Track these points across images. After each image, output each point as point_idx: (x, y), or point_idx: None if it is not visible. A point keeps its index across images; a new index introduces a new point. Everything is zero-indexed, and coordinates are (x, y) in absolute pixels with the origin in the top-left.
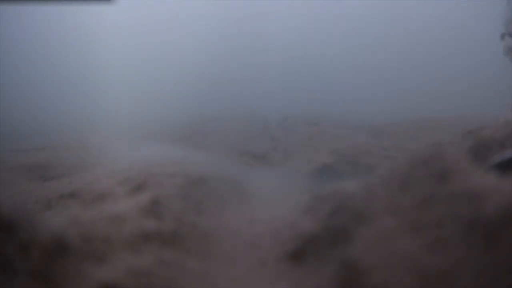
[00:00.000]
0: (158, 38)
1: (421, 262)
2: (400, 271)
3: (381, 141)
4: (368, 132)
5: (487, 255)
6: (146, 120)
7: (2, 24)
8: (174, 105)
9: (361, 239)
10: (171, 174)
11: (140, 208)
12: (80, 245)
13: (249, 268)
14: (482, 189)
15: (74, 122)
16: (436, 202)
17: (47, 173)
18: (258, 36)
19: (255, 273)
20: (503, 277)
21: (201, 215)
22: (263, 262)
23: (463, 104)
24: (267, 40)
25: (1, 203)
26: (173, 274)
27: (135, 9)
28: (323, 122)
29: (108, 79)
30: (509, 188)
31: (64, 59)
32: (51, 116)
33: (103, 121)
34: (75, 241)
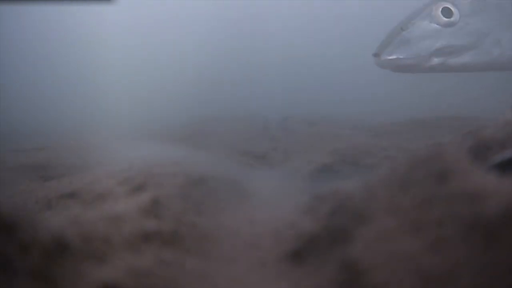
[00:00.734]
0: (158, 38)
1: (421, 262)
2: (400, 271)
3: (381, 141)
4: (368, 132)
5: (487, 255)
6: (146, 120)
7: (2, 24)
8: (174, 105)
9: (361, 239)
10: (171, 174)
11: (140, 208)
12: (80, 245)
13: (249, 268)
14: (482, 189)
15: (74, 122)
16: (436, 202)
17: (47, 173)
18: (258, 36)
19: (255, 273)
20: (503, 277)
21: (201, 215)
22: (263, 262)
23: (463, 104)
24: (267, 40)
25: (1, 203)
26: (173, 274)
27: (135, 9)
28: (323, 122)
29: (108, 79)
30: (509, 188)
31: (64, 59)
32: (51, 116)
33: (103, 121)
34: (75, 241)
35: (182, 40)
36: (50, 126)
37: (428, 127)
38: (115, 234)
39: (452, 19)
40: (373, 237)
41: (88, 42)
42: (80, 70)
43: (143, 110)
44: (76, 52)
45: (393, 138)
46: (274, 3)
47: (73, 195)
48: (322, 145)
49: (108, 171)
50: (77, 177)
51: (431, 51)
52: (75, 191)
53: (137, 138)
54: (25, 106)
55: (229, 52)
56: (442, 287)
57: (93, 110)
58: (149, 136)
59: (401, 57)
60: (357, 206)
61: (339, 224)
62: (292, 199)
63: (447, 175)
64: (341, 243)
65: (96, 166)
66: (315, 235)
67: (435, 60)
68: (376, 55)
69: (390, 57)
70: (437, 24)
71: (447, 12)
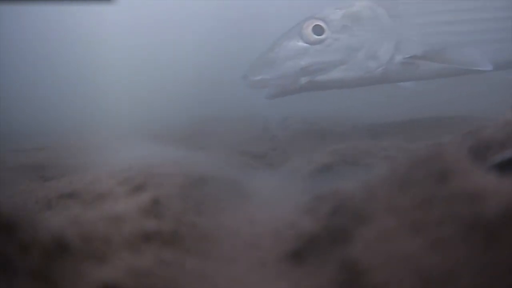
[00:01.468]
0: (158, 38)
1: (421, 262)
2: (400, 271)
3: (381, 141)
4: (368, 132)
5: (487, 255)
6: (146, 120)
7: (2, 24)
8: (174, 105)
9: (361, 239)
10: (171, 174)
11: (140, 208)
12: (80, 245)
13: (249, 268)
14: (482, 189)
15: (74, 122)
16: (436, 202)
17: (47, 173)
18: (258, 36)
19: (255, 273)
20: (503, 277)
21: (201, 215)
22: (263, 262)
23: (462, 104)
24: (267, 40)
25: (1, 203)
26: (173, 274)
27: (135, 9)
28: (323, 121)
29: (108, 79)
30: (509, 188)
31: (64, 59)
32: (51, 116)
33: (103, 121)
34: (75, 241)
35: (182, 40)
36: (50, 126)
37: (428, 127)
38: (115, 234)
39: (322, 36)
40: (373, 237)
41: (88, 42)
42: (80, 70)
43: (143, 110)
44: (76, 52)
45: (393, 138)
46: (274, 3)
47: (73, 195)
48: (322, 145)
49: (108, 171)
50: (77, 177)
51: (297, 70)
52: (75, 191)
53: (137, 138)
54: (25, 106)
55: (229, 52)
56: (442, 287)
57: (93, 110)
58: (149, 136)
59: (267, 77)
60: (357, 206)
61: (339, 224)
62: (292, 199)
63: (447, 175)
64: (341, 243)
65: (96, 166)
66: (315, 235)
67: (303, 79)
68: (244, 76)
69: (257, 78)
70: (305, 43)
71: (318, 30)
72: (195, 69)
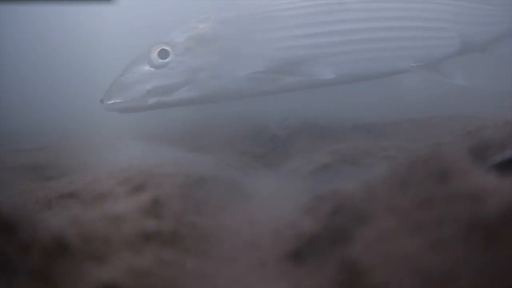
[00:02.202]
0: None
1: (421, 262)
2: (400, 271)
3: (381, 141)
4: (368, 132)
5: (487, 255)
6: (146, 120)
7: (2, 24)
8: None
9: (361, 239)
10: (171, 174)
11: (140, 208)
12: (80, 245)
13: (249, 268)
14: (482, 189)
15: (74, 122)
16: (436, 202)
17: (47, 173)
18: None
19: (255, 273)
20: (503, 277)
21: (201, 215)
22: (263, 262)
23: (462, 104)
24: None
25: (1, 203)
26: (173, 274)
27: (135, 9)
28: (323, 121)
29: (108, 79)
30: (509, 188)
31: (64, 59)
32: (51, 116)
33: (103, 121)
34: (75, 241)
35: None
36: (50, 126)
37: (428, 127)
38: (115, 234)
39: (166, 60)
40: (373, 237)
41: (88, 42)
42: (80, 70)
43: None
44: (76, 52)
45: (393, 138)
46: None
47: (73, 195)
48: (322, 145)
49: (108, 171)
50: (77, 177)
51: (144, 93)
52: (75, 191)
53: (137, 138)
54: (25, 106)
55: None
56: (442, 287)
57: (93, 110)
58: (149, 136)
59: (118, 101)
60: (357, 206)
61: (339, 224)
62: (292, 199)
63: (447, 175)
64: (341, 243)
65: (96, 166)
66: (315, 235)
67: (151, 100)
68: (101, 100)
69: (110, 102)
70: (152, 67)
71: (163, 54)
72: None
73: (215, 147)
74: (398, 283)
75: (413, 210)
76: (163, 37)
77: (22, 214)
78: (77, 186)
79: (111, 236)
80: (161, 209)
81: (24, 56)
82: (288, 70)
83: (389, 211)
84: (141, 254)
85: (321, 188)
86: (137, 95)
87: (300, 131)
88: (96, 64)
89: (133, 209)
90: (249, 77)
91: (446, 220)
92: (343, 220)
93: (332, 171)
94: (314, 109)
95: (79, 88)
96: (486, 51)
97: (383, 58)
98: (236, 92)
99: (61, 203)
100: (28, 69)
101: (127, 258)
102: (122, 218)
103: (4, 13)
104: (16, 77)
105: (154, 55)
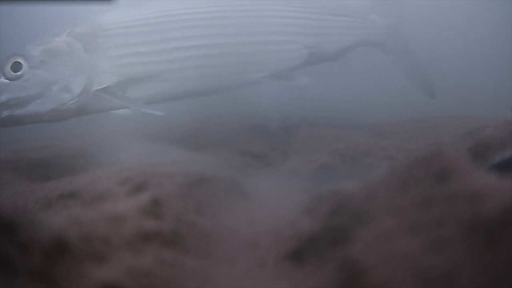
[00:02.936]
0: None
1: (421, 262)
2: (400, 271)
3: (381, 141)
4: (368, 132)
5: (487, 255)
6: (146, 120)
7: (2, 24)
8: (174, 105)
9: (361, 239)
10: (171, 174)
11: (140, 208)
12: (80, 245)
13: (249, 268)
14: (482, 189)
15: (74, 122)
16: (436, 202)
17: (47, 173)
18: None
19: (255, 273)
20: (503, 277)
21: (201, 215)
22: (263, 262)
23: (462, 104)
24: None
25: (1, 203)
26: (173, 274)
27: (135, 9)
28: (323, 121)
29: None
30: (509, 188)
31: None
32: None
33: (104, 121)
34: (75, 241)
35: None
36: (50, 126)
37: (428, 127)
38: (115, 234)
39: (20, 72)
40: (373, 237)
41: None
42: None
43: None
44: None
45: (393, 138)
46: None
47: (73, 195)
48: (322, 145)
49: (108, 171)
50: (77, 177)
51: None
52: (75, 191)
53: (137, 138)
54: None
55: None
56: (442, 287)
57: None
58: (149, 136)
59: None
60: (357, 206)
61: (339, 224)
62: (292, 199)
63: (447, 175)
64: (341, 243)
65: (96, 166)
66: (315, 235)
67: (4, 113)
68: None
69: None
70: (6, 79)
71: (17, 66)
72: None
73: (215, 147)
74: (398, 283)
75: (413, 210)
76: (18, 50)
77: (22, 214)
78: (77, 186)
79: (111, 236)
80: (161, 209)
81: None
82: (128, 87)
83: (389, 211)
84: (141, 254)
85: (321, 188)
86: None
87: (300, 131)
88: None
89: (133, 209)
90: (98, 92)
91: (446, 220)
92: (343, 220)
93: (331, 171)
94: (314, 109)
95: None
96: (337, 60)
97: (230, 72)
98: (87, 107)
99: (61, 203)
100: None
101: (127, 258)
102: (122, 218)
103: (5, 13)
104: None
105: (8, 67)
